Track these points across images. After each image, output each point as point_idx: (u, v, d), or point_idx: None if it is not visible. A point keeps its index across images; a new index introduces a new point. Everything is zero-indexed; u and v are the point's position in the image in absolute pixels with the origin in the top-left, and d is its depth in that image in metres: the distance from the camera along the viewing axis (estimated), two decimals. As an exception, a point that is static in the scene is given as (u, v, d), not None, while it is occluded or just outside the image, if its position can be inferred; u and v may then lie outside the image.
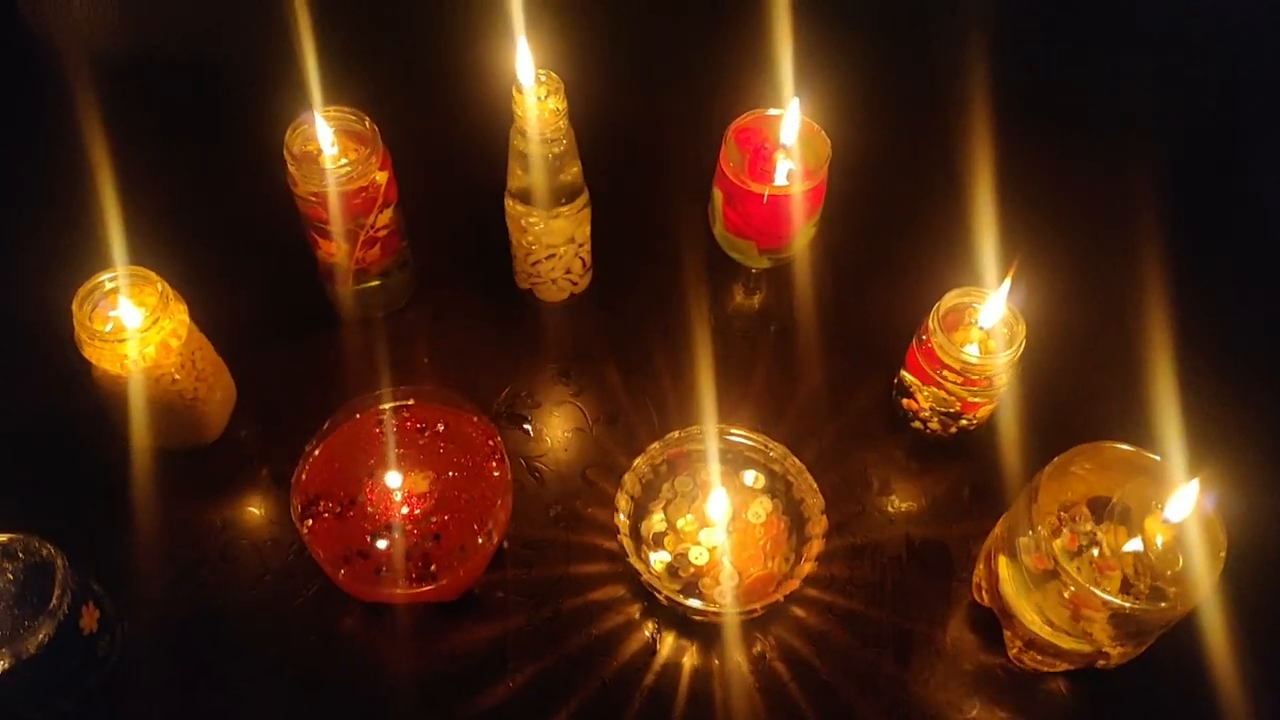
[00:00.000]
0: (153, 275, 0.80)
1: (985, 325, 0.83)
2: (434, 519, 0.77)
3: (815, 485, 0.80)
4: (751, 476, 0.83)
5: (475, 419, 0.81)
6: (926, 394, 0.86)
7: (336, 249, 0.88)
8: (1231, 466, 0.71)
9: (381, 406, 0.81)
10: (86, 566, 0.74)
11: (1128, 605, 0.68)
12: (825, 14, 0.96)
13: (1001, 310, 0.82)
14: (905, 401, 0.88)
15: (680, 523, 0.81)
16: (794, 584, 0.75)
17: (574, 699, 0.77)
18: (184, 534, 0.84)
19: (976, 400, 0.84)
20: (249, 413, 0.90)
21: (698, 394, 0.92)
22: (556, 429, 0.90)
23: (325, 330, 0.95)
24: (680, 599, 0.74)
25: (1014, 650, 0.79)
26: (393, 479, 0.78)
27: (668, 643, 0.80)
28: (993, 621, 0.79)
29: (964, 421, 0.86)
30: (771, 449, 0.82)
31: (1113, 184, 1.03)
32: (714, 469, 0.80)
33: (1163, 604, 0.68)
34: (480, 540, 0.76)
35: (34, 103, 1.07)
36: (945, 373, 0.83)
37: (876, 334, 0.94)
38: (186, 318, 0.81)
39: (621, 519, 0.78)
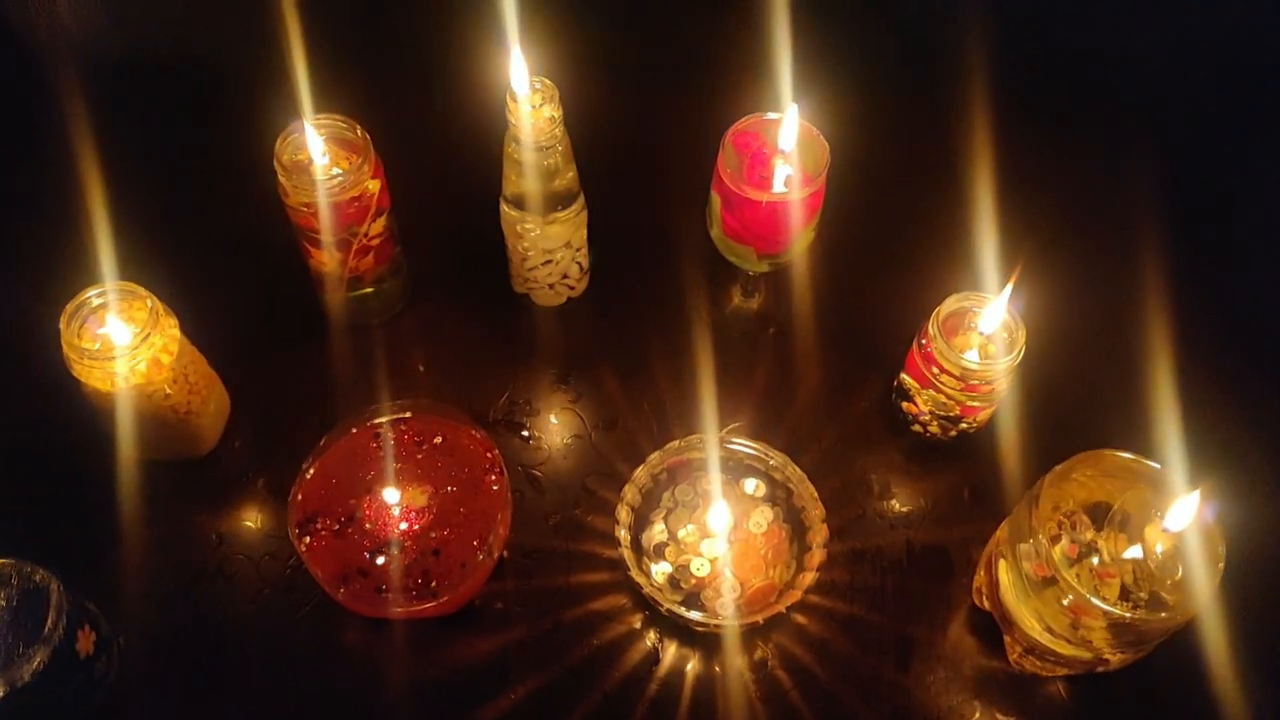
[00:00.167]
0: (141, 290, 0.78)
1: (985, 331, 0.83)
2: (433, 534, 0.76)
3: (816, 494, 0.79)
4: (752, 484, 0.83)
5: (473, 432, 0.80)
6: (926, 397, 0.85)
7: (329, 258, 0.86)
8: (1231, 474, 0.71)
9: (377, 420, 0.80)
10: (80, 586, 0.73)
11: (1128, 615, 0.68)
12: (823, 16, 0.94)
13: (1002, 315, 0.81)
14: (905, 405, 0.88)
15: (681, 533, 0.80)
16: (796, 594, 0.75)
17: (576, 712, 0.77)
18: (179, 549, 0.83)
19: (976, 405, 0.83)
20: (244, 423, 0.89)
21: (697, 399, 0.91)
22: (555, 436, 0.89)
23: (319, 338, 0.94)
24: (683, 612, 0.74)
25: (1014, 655, 0.79)
26: (391, 494, 0.77)
27: (670, 652, 0.80)
28: (993, 626, 0.79)
29: (964, 425, 0.86)
30: (772, 457, 0.81)
31: (1115, 188, 1.03)
32: (715, 481, 0.79)
33: (1163, 614, 0.68)
34: (481, 556, 0.75)
35: (16, 114, 1.05)
36: (944, 377, 0.82)
37: (876, 336, 0.93)
38: (178, 332, 0.79)
39: (622, 532, 0.77)
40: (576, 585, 0.82)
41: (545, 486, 0.87)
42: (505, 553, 0.82)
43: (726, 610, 0.76)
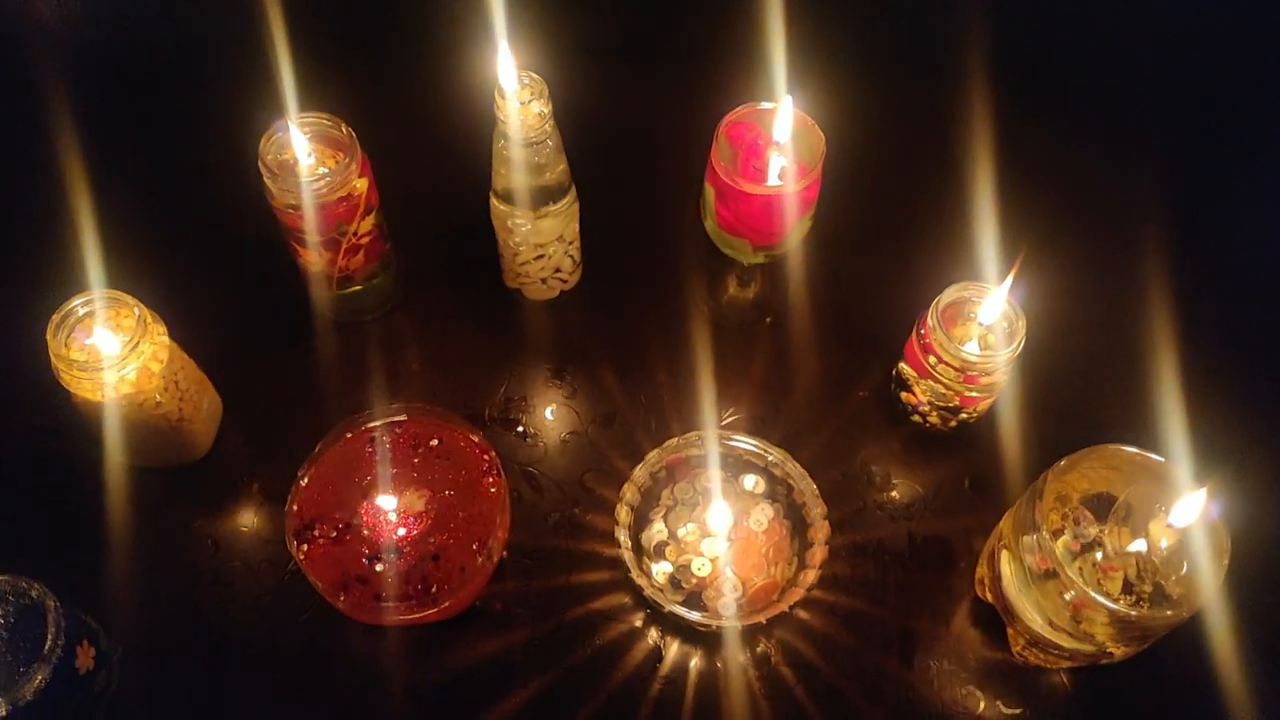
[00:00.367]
0: (128, 298, 0.77)
1: (985, 321, 0.82)
2: (432, 539, 0.76)
3: (816, 490, 0.79)
4: (751, 481, 0.82)
5: (470, 434, 0.79)
6: (924, 387, 0.84)
7: (318, 258, 0.85)
8: (1235, 468, 0.70)
9: (372, 425, 0.79)
10: (76, 598, 0.72)
11: (1132, 613, 0.68)
12: (818, 3, 0.92)
13: (1002, 306, 0.80)
14: (904, 395, 0.87)
15: (681, 532, 0.80)
16: (799, 593, 0.75)
17: (580, 713, 0.77)
18: (176, 557, 0.82)
19: (975, 395, 0.83)
20: (237, 426, 0.88)
21: (693, 392, 0.90)
22: (552, 433, 0.89)
23: (311, 338, 0.92)
24: (685, 613, 0.74)
25: (1018, 647, 0.79)
26: (388, 500, 0.76)
27: (672, 650, 0.80)
28: (996, 618, 0.79)
29: (964, 415, 0.85)
30: (770, 453, 0.80)
31: (1117, 176, 1.01)
32: (715, 480, 0.79)
33: (1168, 612, 0.68)
34: (480, 560, 0.74)
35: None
36: (942, 368, 0.81)
37: (875, 325, 0.92)
38: (166, 339, 0.78)
39: (622, 533, 0.77)
40: (577, 584, 0.82)
41: (543, 485, 0.86)
42: (504, 553, 0.82)
43: (729, 610, 0.76)
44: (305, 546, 0.75)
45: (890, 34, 1.06)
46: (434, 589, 0.74)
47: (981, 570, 0.81)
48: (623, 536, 0.77)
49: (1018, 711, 0.78)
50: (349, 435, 0.79)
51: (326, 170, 0.81)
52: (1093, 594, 0.68)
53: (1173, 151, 0.99)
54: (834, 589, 0.82)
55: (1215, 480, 0.67)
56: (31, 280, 0.88)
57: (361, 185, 0.82)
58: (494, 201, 0.86)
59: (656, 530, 0.81)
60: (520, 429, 0.89)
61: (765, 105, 0.82)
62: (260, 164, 0.79)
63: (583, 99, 0.88)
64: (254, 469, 0.86)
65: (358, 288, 0.90)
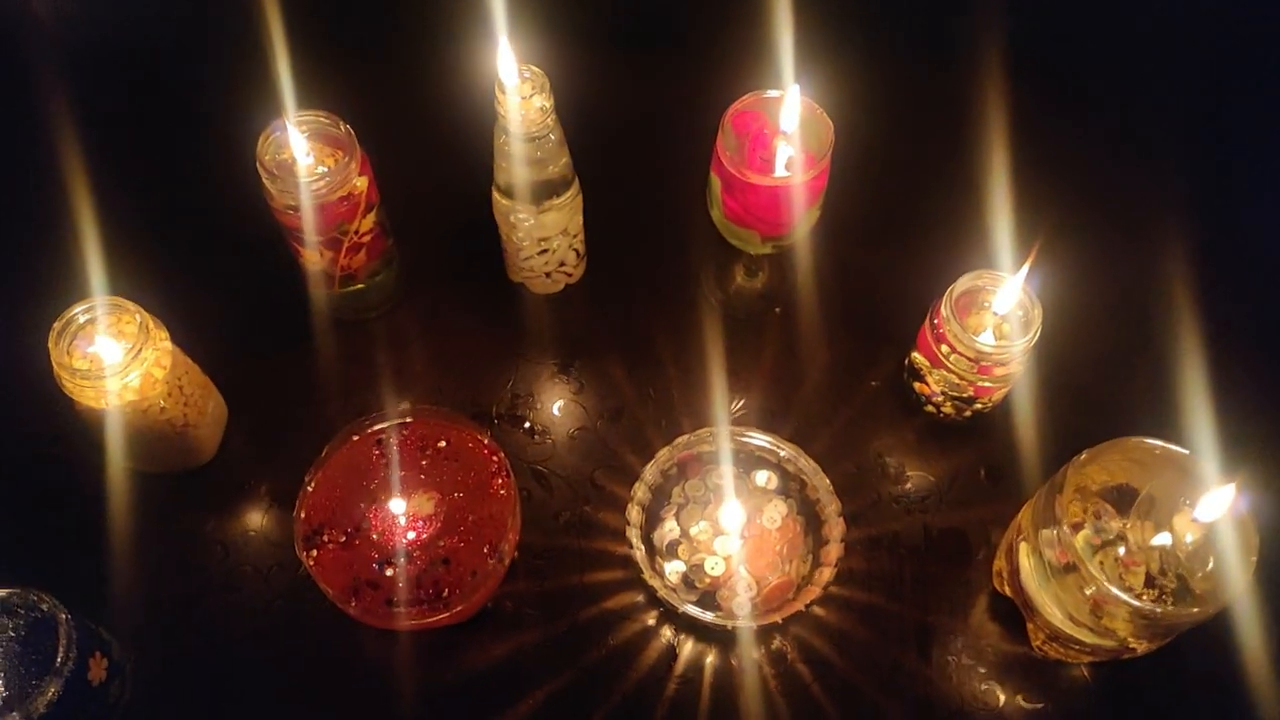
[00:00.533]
0: (130, 304, 0.76)
1: (1000, 311, 0.80)
2: (442, 542, 0.75)
3: (830, 486, 0.78)
4: (764, 477, 0.81)
5: (477, 434, 0.78)
6: (937, 377, 0.83)
7: (320, 258, 0.84)
8: (1259, 460, 0.69)
9: (378, 427, 0.78)
10: (86, 607, 0.72)
11: (1159, 610, 0.67)
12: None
13: (1018, 295, 0.79)
14: (917, 385, 0.86)
15: (694, 530, 0.79)
16: (815, 591, 0.74)
17: (594, 715, 0.76)
18: (185, 563, 0.82)
19: (989, 385, 0.81)
20: (242, 428, 0.87)
21: (702, 384, 0.89)
22: (560, 430, 0.88)
23: (314, 337, 0.91)
24: (699, 614, 0.73)
25: (1038, 641, 0.78)
26: (396, 503, 0.75)
27: (687, 649, 0.79)
28: (1015, 611, 0.78)
29: (978, 405, 0.84)
30: (783, 449, 0.79)
31: (1137, 162, 0.99)
32: (727, 477, 0.78)
33: (1194, 609, 0.67)
34: (492, 564, 0.74)
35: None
36: (955, 357, 0.80)
37: (887, 313, 0.91)
38: (169, 344, 0.77)
39: (633, 533, 0.76)
40: (589, 584, 0.81)
41: (553, 483, 0.85)
42: (515, 554, 0.81)
43: (743, 610, 0.75)
44: (314, 552, 0.74)
45: (900, 18, 1.03)
46: (445, 593, 0.73)
47: (999, 563, 0.80)
48: (634, 537, 0.76)
49: (1038, 706, 0.77)
50: (355, 438, 0.78)
51: (326, 169, 0.80)
52: (1115, 590, 0.67)
53: (1194, 135, 0.97)
54: (849, 584, 0.81)
55: (1243, 474, 0.65)
56: (30, 286, 0.87)
57: (362, 184, 0.80)
58: (496, 196, 0.84)
59: (668, 529, 0.80)
60: (528, 425, 0.88)
61: (772, 93, 0.80)
62: (258, 165, 0.78)
63: (585, 88, 0.87)
64: (261, 471, 0.86)
65: (360, 286, 0.89)
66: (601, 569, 0.82)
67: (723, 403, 0.88)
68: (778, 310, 0.94)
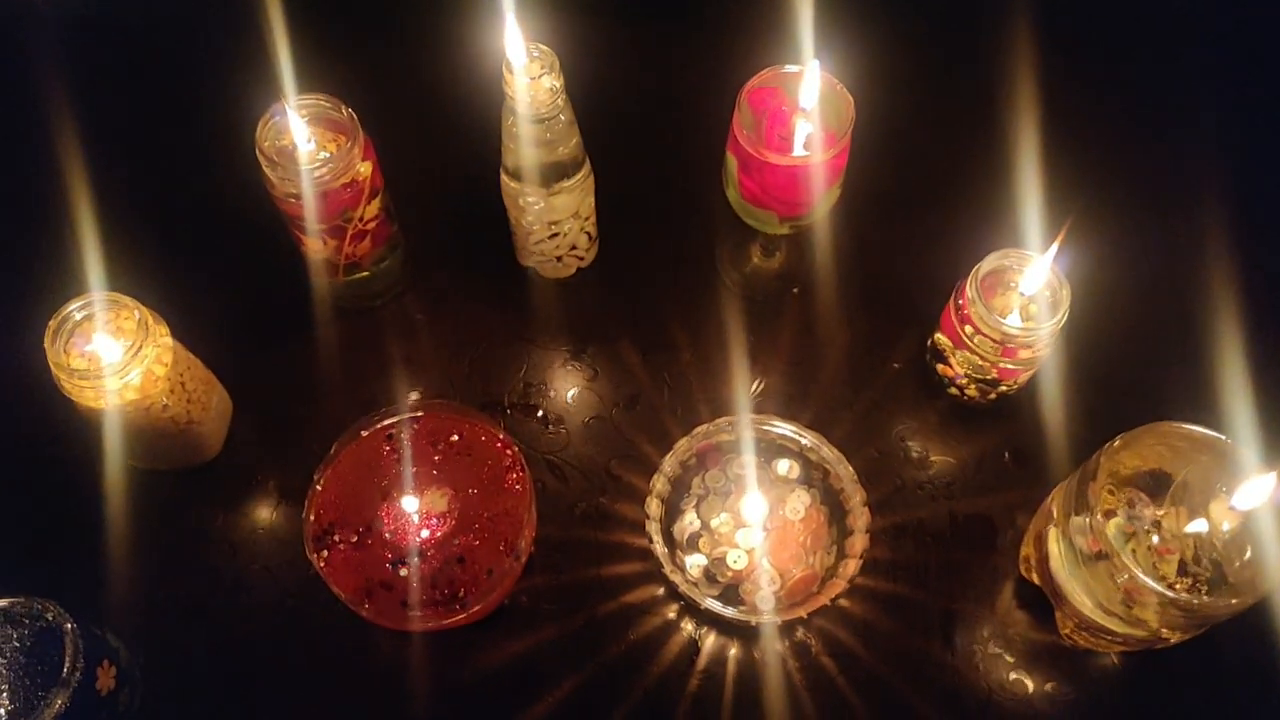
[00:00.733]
0: (127, 300, 0.73)
1: (1027, 292, 0.77)
2: (457, 540, 0.73)
3: (854, 474, 0.76)
4: (785, 465, 0.79)
5: (490, 427, 0.76)
6: (961, 359, 0.81)
7: (323, 246, 0.81)
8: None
9: (388, 422, 0.76)
10: (92, 612, 0.70)
11: (1195, 602, 0.65)
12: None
13: (1046, 275, 0.76)
14: (940, 367, 0.83)
15: (715, 522, 0.77)
16: (841, 584, 0.72)
17: (616, 712, 0.75)
18: (193, 563, 0.80)
19: (1014, 368, 0.79)
20: (248, 422, 0.85)
21: (719, 368, 0.87)
22: (574, 418, 0.85)
23: (318, 326, 0.89)
24: (723, 610, 0.71)
25: (1066, 630, 0.76)
26: (409, 500, 0.73)
27: (709, 643, 0.77)
28: (1042, 598, 0.76)
29: (1003, 388, 0.82)
30: (805, 437, 0.77)
31: (1171, 136, 0.95)
32: (750, 467, 0.75)
33: (1233, 600, 0.65)
34: (509, 561, 0.72)
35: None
36: (979, 339, 0.77)
37: (907, 293, 0.89)
38: (170, 339, 0.75)
39: (653, 526, 0.74)
40: (608, 577, 0.79)
41: (568, 474, 0.83)
42: (532, 548, 0.79)
43: (767, 604, 0.73)
44: (325, 553, 0.72)
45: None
46: (461, 593, 0.71)
47: (1027, 550, 0.78)
48: (654, 531, 0.74)
49: (1068, 696, 0.75)
50: (364, 434, 0.75)
51: (328, 155, 0.77)
52: (1148, 581, 0.65)
53: (1229, 108, 0.93)
54: (873, 573, 0.79)
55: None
56: (23, 280, 0.84)
57: (365, 169, 0.77)
58: (504, 179, 0.82)
59: (689, 521, 0.78)
60: (541, 414, 0.86)
61: (790, 68, 0.76)
62: (257, 152, 0.75)
63: (595, 64, 0.84)
64: (268, 466, 0.84)
65: (365, 273, 0.86)
66: (619, 561, 0.80)
67: (741, 389, 0.85)
68: (796, 291, 0.91)
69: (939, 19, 1.00)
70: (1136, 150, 0.95)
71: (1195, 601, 0.65)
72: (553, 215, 0.83)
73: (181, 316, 0.77)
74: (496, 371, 0.87)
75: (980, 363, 0.79)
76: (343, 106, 0.77)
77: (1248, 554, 0.67)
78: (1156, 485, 0.71)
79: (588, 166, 0.82)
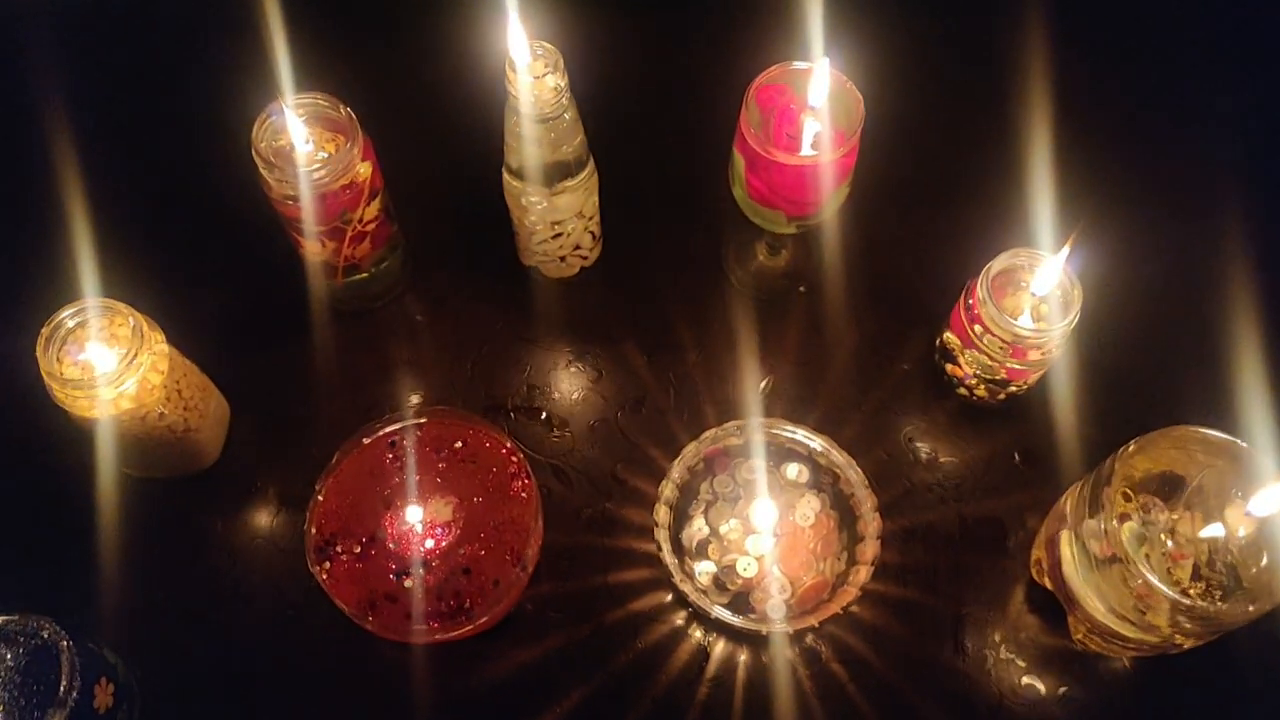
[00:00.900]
0: (122, 306, 0.71)
1: (1039, 292, 0.76)
2: (462, 550, 0.71)
3: (865, 480, 0.74)
4: (794, 469, 0.78)
5: (495, 434, 0.74)
6: (970, 357, 0.80)
7: (322, 248, 0.79)
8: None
9: (390, 430, 0.74)
10: (88, 626, 0.68)
11: (1211, 609, 0.64)
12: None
13: (1058, 276, 0.75)
14: (949, 367, 0.82)
15: (724, 529, 0.76)
16: (852, 592, 0.71)
17: (625, 721, 0.74)
18: (191, 573, 0.78)
19: (1022, 368, 0.78)
20: (247, 428, 0.83)
21: (726, 370, 0.85)
22: (579, 422, 0.84)
23: (317, 328, 0.87)
24: (733, 620, 0.70)
25: (1079, 634, 0.75)
26: (413, 510, 0.72)
27: (718, 650, 0.76)
28: (1054, 601, 0.76)
29: (1012, 388, 0.81)
30: (815, 441, 0.76)
31: (1185, 135, 0.94)
32: (760, 473, 0.74)
33: (1250, 607, 0.64)
34: (516, 572, 0.70)
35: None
36: (988, 338, 0.76)
37: (916, 292, 0.87)
38: (166, 346, 0.73)
39: (662, 533, 0.73)
40: (615, 584, 0.78)
41: (573, 479, 0.82)
42: (538, 557, 0.78)
43: (777, 612, 0.72)
44: (328, 565, 0.70)
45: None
46: (467, 604, 0.70)
47: (1039, 553, 0.77)
48: (663, 539, 0.73)
49: (1080, 701, 0.75)
50: (366, 442, 0.74)
51: (326, 155, 0.75)
52: (1164, 588, 0.64)
53: (1245, 106, 0.92)
54: (883, 577, 0.78)
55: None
56: (15, 284, 0.82)
57: (365, 170, 0.76)
58: (507, 178, 0.80)
59: (697, 528, 0.77)
60: (545, 417, 0.84)
61: (799, 65, 0.75)
62: (253, 153, 0.73)
63: (600, 60, 0.82)
64: (267, 472, 0.82)
65: (364, 275, 0.84)
66: (627, 568, 0.79)
67: (748, 391, 0.84)
68: (802, 290, 0.90)
69: (950, 16, 0.99)
70: (1150, 148, 0.93)
71: (1211, 609, 0.64)
72: (556, 215, 0.81)
73: (177, 321, 0.75)
74: (499, 374, 0.86)
75: (989, 363, 0.78)
76: (341, 106, 0.75)
77: (1264, 560, 0.66)
78: (1170, 489, 0.70)
79: (592, 165, 0.80)
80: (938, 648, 0.76)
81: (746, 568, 0.74)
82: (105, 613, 0.75)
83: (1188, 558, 0.68)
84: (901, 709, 0.75)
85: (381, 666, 0.76)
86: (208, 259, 0.89)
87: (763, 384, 0.85)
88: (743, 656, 0.76)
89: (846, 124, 0.75)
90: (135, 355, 0.70)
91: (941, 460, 0.83)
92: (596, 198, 0.83)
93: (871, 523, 0.73)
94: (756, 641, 0.76)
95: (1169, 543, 0.68)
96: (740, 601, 0.74)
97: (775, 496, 0.75)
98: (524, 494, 0.73)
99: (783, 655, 0.75)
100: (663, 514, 0.74)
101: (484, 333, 0.87)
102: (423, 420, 0.75)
